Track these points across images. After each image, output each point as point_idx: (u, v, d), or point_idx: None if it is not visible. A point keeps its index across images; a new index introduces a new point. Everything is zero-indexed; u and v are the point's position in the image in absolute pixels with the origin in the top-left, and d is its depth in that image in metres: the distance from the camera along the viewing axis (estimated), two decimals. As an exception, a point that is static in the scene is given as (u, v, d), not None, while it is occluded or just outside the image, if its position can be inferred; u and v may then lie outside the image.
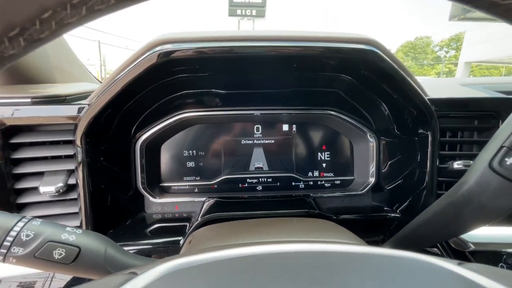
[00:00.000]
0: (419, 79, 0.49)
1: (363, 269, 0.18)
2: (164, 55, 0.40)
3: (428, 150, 0.47)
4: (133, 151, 0.54)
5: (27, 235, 0.24)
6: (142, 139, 0.54)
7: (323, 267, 0.18)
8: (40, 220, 0.26)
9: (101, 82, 0.66)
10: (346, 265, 0.18)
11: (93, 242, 0.27)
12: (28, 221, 0.25)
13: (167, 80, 0.51)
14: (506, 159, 0.30)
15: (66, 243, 0.25)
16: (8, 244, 0.24)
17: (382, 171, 0.58)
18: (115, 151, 0.52)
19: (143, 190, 0.54)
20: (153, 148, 0.56)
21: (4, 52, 0.13)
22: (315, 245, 0.21)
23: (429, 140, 0.47)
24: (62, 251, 0.25)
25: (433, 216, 0.36)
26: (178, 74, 0.50)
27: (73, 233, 0.26)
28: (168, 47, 0.40)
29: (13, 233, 0.24)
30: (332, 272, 0.17)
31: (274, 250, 0.20)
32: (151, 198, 0.54)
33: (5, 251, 0.24)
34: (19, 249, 0.24)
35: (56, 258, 0.25)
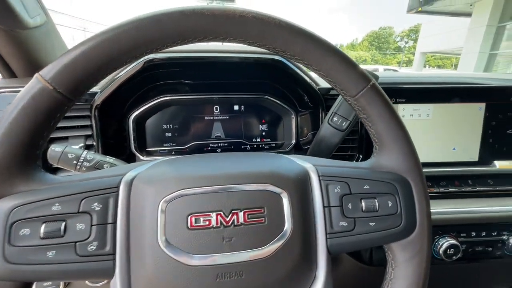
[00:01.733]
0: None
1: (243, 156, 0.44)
2: (148, 61, 0.64)
3: (320, 121, 0.76)
4: (127, 124, 0.76)
5: (89, 157, 0.48)
6: (133, 116, 0.76)
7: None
8: (93, 152, 0.49)
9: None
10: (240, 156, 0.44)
11: (123, 165, 0.51)
12: (88, 151, 0.48)
13: (150, 73, 0.73)
14: (334, 118, 0.59)
15: (109, 162, 0.49)
16: (82, 161, 0.47)
17: (301, 137, 0.86)
18: (113, 124, 0.74)
19: (135, 152, 0.77)
20: (140, 123, 0.79)
21: None
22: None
23: (320, 115, 0.76)
24: (108, 165, 0.48)
25: (311, 152, 0.65)
26: (158, 69, 0.73)
27: (112, 158, 0.50)
28: (152, 56, 0.63)
29: (82, 156, 0.47)
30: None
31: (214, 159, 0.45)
32: (141, 157, 0.78)
33: (80, 164, 0.47)
34: (86, 163, 0.47)
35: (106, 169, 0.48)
